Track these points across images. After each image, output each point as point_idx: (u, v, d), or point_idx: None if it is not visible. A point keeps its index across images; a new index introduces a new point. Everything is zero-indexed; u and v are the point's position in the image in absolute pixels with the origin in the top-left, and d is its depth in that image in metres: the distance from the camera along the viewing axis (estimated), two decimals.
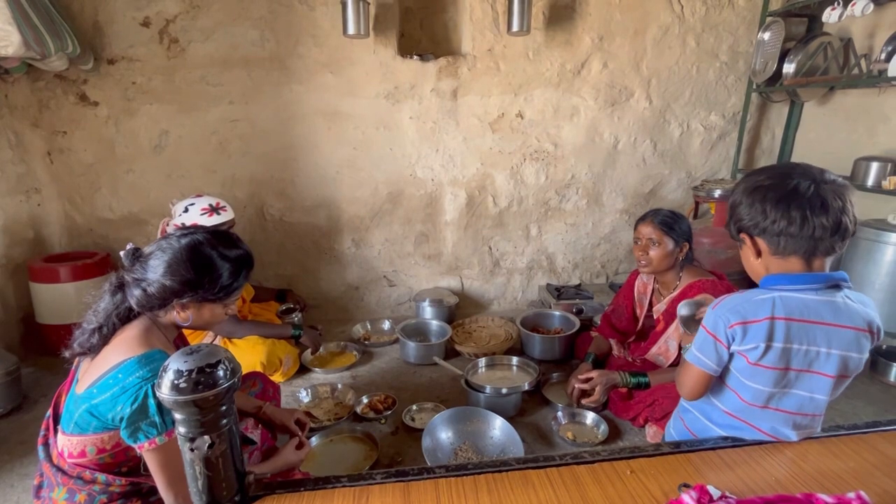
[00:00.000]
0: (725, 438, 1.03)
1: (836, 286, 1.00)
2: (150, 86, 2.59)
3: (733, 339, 1.01)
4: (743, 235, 1.05)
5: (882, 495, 0.81)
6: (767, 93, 2.94)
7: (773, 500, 0.77)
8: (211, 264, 1.12)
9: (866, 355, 1.01)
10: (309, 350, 2.44)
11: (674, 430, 1.27)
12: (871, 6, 2.19)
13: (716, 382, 1.11)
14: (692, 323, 1.25)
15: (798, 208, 0.94)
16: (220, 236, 1.17)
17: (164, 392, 0.69)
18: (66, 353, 1.12)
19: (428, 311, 2.86)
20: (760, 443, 0.99)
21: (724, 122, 3.06)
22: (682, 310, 1.28)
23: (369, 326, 2.87)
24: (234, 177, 2.78)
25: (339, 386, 2.21)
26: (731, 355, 1.04)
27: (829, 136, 2.82)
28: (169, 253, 1.10)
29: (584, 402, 1.95)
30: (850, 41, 2.59)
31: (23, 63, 2.26)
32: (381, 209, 2.94)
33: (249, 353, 2.11)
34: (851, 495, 0.76)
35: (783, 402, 1.03)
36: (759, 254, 1.03)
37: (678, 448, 0.97)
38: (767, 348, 0.98)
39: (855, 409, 2.10)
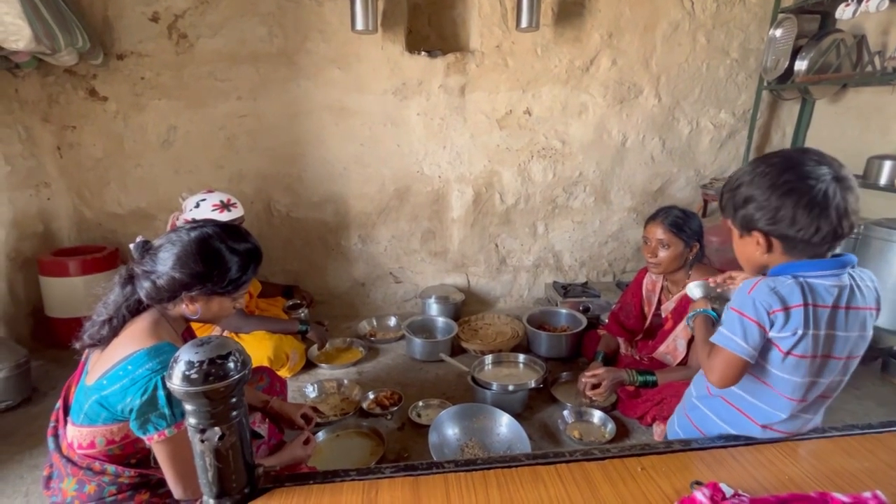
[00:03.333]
0: (737, 437, 1.02)
1: (846, 267, 1.01)
2: (159, 81, 2.60)
3: (773, 325, 0.98)
4: (756, 233, 1.01)
5: None
6: (778, 90, 2.91)
7: (788, 498, 0.76)
8: (220, 257, 1.12)
9: (871, 332, 1.04)
10: (315, 346, 2.44)
11: (679, 427, 1.25)
12: (886, 2, 2.16)
13: (749, 379, 1.07)
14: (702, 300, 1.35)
15: (826, 218, 0.93)
16: (229, 230, 1.17)
17: (176, 383, 0.69)
18: (77, 345, 1.13)
19: (434, 308, 2.85)
20: (773, 441, 0.98)
21: (733, 119, 3.03)
22: (696, 292, 1.36)
23: (375, 323, 2.87)
24: (242, 172, 2.79)
25: (346, 381, 2.21)
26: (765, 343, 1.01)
27: (841, 134, 2.78)
28: (178, 245, 1.10)
29: (589, 393, 1.94)
30: (863, 38, 2.55)
31: (33, 58, 2.27)
32: (387, 205, 2.94)
33: (256, 348, 2.12)
34: (868, 495, 0.75)
35: (811, 392, 1.03)
36: (769, 249, 1.01)
37: (689, 446, 0.96)
38: (802, 336, 0.96)
39: (866, 410, 2.08)
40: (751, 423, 1.06)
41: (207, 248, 1.11)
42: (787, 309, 0.96)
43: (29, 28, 1.97)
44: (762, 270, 1.05)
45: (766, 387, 1.05)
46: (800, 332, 0.96)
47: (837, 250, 1.01)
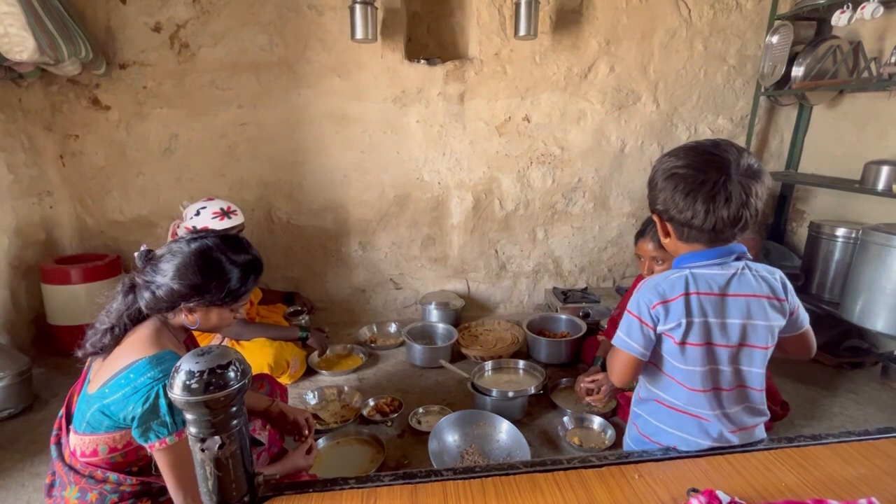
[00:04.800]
0: (734, 445, 1.03)
1: (738, 258, 1.05)
2: (161, 90, 2.62)
3: (658, 320, 1.03)
4: (655, 215, 1.09)
5: (893, 502, 0.81)
6: (776, 96, 2.93)
7: None
8: (219, 269, 1.13)
9: (777, 323, 1.06)
10: (316, 352, 2.45)
11: (629, 439, 1.24)
12: (881, 9, 2.18)
13: (657, 375, 1.11)
14: None
15: (703, 203, 0.98)
16: (229, 241, 1.18)
17: (176, 392, 0.70)
18: (79, 353, 1.14)
19: (434, 314, 2.86)
20: (770, 448, 0.98)
21: (731, 125, 3.04)
22: None
23: (375, 329, 2.88)
24: (243, 180, 2.81)
25: (346, 388, 2.22)
26: (659, 337, 1.06)
27: (838, 139, 2.80)
28: (179, 257, 1.11)
29: (588, 399, 1.94)
30: (859, 44, 2.58)
31: (37, 68, 2.30)
32: (387, 212, 2.95)
33: (257, 355, 2.13)
34: (863, 502, 0.75)
35: (720, 381, 1.06)
36: (667, 234, 1.08)
37: (687, 453, 0.97)
38: (689, 325, 1.01)
39: (866, 416, 2.08)
40: (687, 416, 1.08)
41: (207, 260, 1.12)
42: (665, 302, 1.02)
43: (33, 39, 1.99)
44: (675, 254, 1.10)
45: (676, 383, 1.08)
46: (683, 321, 1.01)
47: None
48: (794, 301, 1.09)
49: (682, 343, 1.03)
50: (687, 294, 1.02)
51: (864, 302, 2.19)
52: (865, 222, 2.40)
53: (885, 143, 2.52)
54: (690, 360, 1.04)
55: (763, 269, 1.08)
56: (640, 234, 1.88)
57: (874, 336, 2.53)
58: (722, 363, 1.05)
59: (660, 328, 1.04)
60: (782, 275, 1.09)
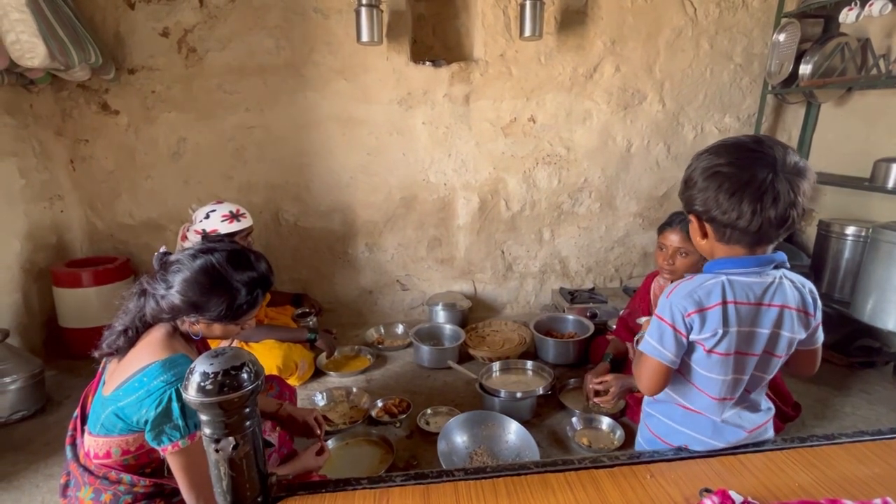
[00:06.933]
0: (747, 445, 1.02)
1: (776, 266, 1.01)
2: (169, 94, 2.65)
3: (692, 328, 1.00)
4: (692, 216, 1.04)
5: None
6: (783, 94, 2.91)
7: None
8: (221, 289, 1.11)
9: (800, 335, 1.03)
10: (324, 354, 2.46)
11: (642, 439, 1.23)
12: (889, 6, 2.16)
13: (678, 380, 1.09)
14: None
15: (750, 203, 0.91)
16: (235, 258, 1.15)
17: (191, 394, 0.71)
18: (95, 354, 1.15)
19: (441, 315, 2.86)
20: (783, 448, 0.98)
21: (738, 124, 3.03)
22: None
23: (383, 330, 2.89)
24: (250, 182, 2.82)
25: (354, 389, 2.22)
26: (690, 345, 1.03)
27: (847, 137, 2.77)
28: (184, 271, 1.11)
29: (596, 400, 1.93)
30: (867, 41, 2.56)
31: (47, 73, 2.32)
32: (394, 214, 2.96)
33: (266, 357, 2.14)
34: (877, 501, 0.75)
35: (736, 389, 1.05)
36: (705, 235, 1.03)
37: (699, 453, 0.96)
38: (724, 334, 0.98)
39: (878, 415, 2.06)
40: (702, 417, 1.07)
41: (210, 279, 1.11)
42: (702, 310, 0.98)
43: (44, 46, 2.02)
44: (710, 257, 1.06)
45: (696, 389, 1.06)
46: (719, 331, 0.97)
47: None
48: (819, 317, 1.05)
49: (711, 351, 1.00)
50: (724, 303, 0.97)
51: (874, 301, 2.17)
52: (875, 220, 2.38)
53: (894, 141, 2.49)
54: (716, 368, 1.01)
55: (796, 278, 1.04)
56: (668, 225, 1.85)
57: (885, 335, 2.50)
58: (745, 372, 1.03)
59: (692, 336, 1.00)
60: (812, 288, 1.05)
